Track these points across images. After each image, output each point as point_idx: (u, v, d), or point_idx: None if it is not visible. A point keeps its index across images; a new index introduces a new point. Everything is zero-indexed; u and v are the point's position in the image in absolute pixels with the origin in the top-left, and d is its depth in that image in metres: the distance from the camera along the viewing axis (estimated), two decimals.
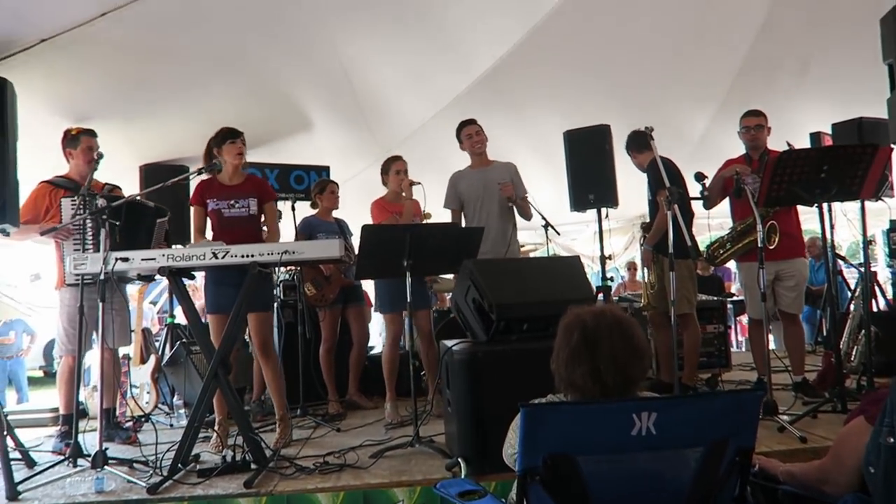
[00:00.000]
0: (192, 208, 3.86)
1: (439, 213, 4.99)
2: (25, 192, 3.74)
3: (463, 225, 4.68)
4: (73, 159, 4.07)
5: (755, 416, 1.71)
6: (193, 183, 4.02)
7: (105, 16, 3.58)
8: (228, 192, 3.84)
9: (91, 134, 4.10)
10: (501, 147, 6.35)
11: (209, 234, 3.94)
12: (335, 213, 5.16)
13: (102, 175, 3.99)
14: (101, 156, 3.94)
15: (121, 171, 4.33)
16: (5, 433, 3.34)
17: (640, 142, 4.54)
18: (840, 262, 6.33)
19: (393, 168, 4.62)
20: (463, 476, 2.90)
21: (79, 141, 4.04)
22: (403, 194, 4.46)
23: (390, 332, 4.53)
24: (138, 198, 3.93)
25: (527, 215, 4.74)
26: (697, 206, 4.42)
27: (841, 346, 4.53)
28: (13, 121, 3.44)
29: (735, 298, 7.59)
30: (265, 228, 4.02)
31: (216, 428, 3.83)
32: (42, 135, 4.09)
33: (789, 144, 3.69)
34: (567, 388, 1.79)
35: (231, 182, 3.88)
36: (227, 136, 3.82)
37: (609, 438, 1.57)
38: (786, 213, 4.17)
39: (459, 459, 3.03)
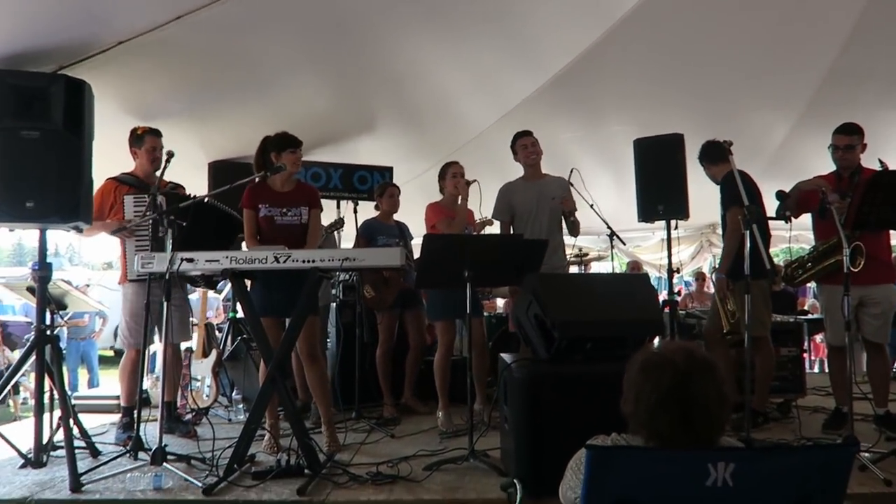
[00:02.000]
0: (243, 211, 3.78)
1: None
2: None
3: None
4: (138, 158, 4.17)
5: (845, 475, 1.54)
6: None
7: (179, 20, 3.66)
8: (281, 200, 3.78)
9: (156, 134, 4.19)
10: (567, 152, 6.21)
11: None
12: (397, 216, 5.15)
13: (173, 171, 4.01)
14: (171, 154, 3.96)
15: (190, 167, 4.44)
16: (72, 423, 3.46)
17: (714, 153, 4.33)
18: None
19: (450, 172, 4.55)
20: (518, 500, 2.82)
21: (143, 140, 4.14)
22: (460, 196, 4.41)
23: (443, 341, 4.48)
24: (229, 209, 4.00)
25: (575, 232, 4.65)
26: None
27: None
28: (90, 121, 3.54)
29: (810, 317, 7.20)
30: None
31: (268, 429, 3.84)
32: (117, 134, 4.20)
33: (882, 163, 3.41)
34: (648, 434, 1.59)
35: (283, 189, 3.82)
36: (288, 145, 3.76)
37: (681, 488, 1.45)
38: (874, 235, 3.84)
39: (515, 481, 2.94)
